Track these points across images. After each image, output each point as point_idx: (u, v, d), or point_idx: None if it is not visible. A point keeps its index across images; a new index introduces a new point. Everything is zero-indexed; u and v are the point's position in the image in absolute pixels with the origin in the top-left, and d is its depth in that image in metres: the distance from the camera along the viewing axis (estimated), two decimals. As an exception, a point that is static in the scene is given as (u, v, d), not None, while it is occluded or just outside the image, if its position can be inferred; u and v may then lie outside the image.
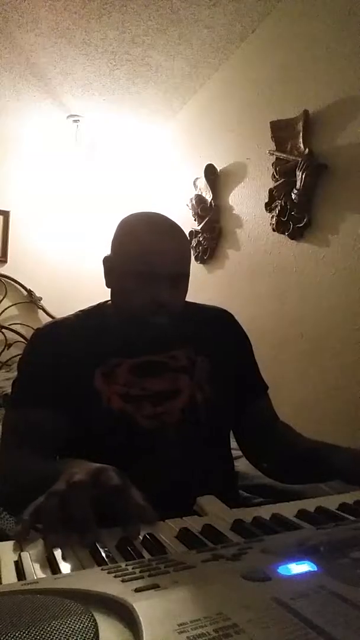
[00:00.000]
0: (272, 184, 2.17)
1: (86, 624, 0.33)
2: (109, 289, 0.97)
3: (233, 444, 1.05)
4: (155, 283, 0.86)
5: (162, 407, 0.89)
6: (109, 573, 0.42)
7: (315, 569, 0.42)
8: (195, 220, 2.76)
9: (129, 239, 0.91)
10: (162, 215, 0.94)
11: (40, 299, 3.33)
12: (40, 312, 3.33)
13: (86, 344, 0.92)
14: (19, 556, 0.49)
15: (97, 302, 1.03)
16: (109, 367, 0.91)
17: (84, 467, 0.60)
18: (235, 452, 1.05)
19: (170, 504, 0.63)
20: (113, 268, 0.94)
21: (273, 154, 2.15)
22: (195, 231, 2.73)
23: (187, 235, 1.10)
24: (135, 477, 0.64)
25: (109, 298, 1.01)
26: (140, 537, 0.53)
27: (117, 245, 0.93)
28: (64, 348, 0.92)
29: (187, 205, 2.86)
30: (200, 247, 2.70)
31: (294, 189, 1.98)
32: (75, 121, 3.17)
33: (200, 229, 2.69)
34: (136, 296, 0.87)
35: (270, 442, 1.01)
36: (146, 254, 0.86)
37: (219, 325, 1.05)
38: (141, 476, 0.84)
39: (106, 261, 0.96)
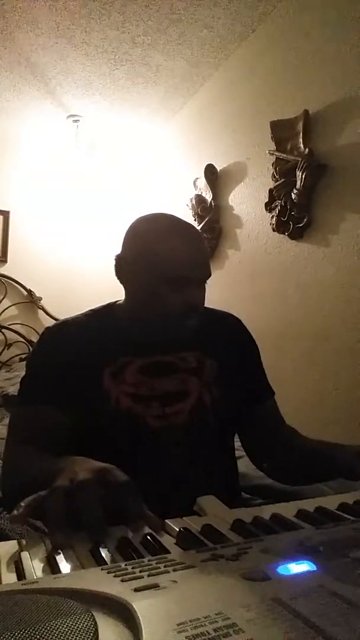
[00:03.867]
0: (272, 184, 2.17)
1: (86, 624, 0.33)
2: (124, 289, 0.96)
3: (236, 444, 1.05)
4: (190, 286, 0.88)
5: (171, 408, 0.90)
6: (108, 573, 0.42)
7: (315, 569, 0.42)
8: (195, 220, 2.75)
9: (158, 242, 0.89)
10: (181, 219, 0.94)
11: (40, 299, 3.33)
12: (40, 312, 3.33)
13: (95, 343, 0.92)
14: (19, 556, 0.49)
15: (107, 302, 1.03)
16: (118, 367, 0.91)
17: (88, 466, 0.60)
18: (237, 453, 1.05)
19: (173, 504, 0.63)
20: (134, 269, 0.91)
21: (273, 154, 2.15)
22: (195, 231, 2.73)
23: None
24: (140, 476, 0.64)
25: (116, 298, 1.01)
26: (140, 537, 0.53)
27: (142, 247, 0.91)
28: (73, 347, 0.92)
29: (187, 205, 2.86)
30: (200, 247, 2.70)
31: (294, 189, 1.98)
32: (75, 121, 3.17)
33: (200, 229, 2.68)
34: (170, 299, 0.87)
35: (276, 445, 1.02)
36: (182, 258, 0.87)
37: (228, 330, 1.05)
38: (147, 475, 0.84)
39: (122, 260, 0.94)
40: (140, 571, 0.42)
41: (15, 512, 0.55)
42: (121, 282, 0.96)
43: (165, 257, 0.87)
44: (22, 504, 0.56)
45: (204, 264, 0.92)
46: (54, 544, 0.49)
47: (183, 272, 0.87)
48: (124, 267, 0.94)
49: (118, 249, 0.97)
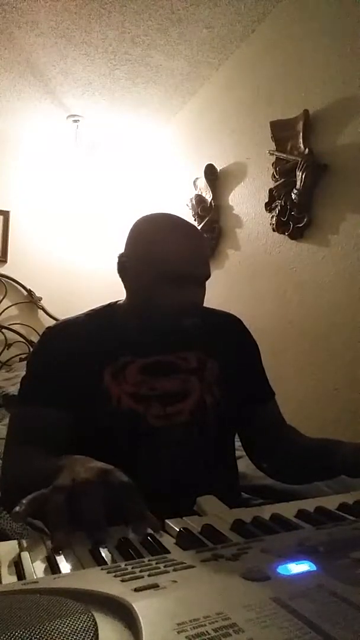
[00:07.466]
0: (272, 184, 2.17)
1: (86, 624, 0.33)
2: (125, 288, 0.97)
3: (236, 444, 1.05)
4: (189, 285, 0.88)
5: (171, 408, 0.90)
6: (108, 573, 0.42)
7: (315, 569, 0.42)
8: (195, 220, 2.75)
9: (159, 240, 0.89)
10: (183, 219, 0.94)
11: (40, 299, 3.33)
12: (40, 312, 3.33)
13: (96, 343, 0.92)
14: (19, 556, 0.49)
15: (108, 302, 1.03)
16: (119, 367, 0.91)
17: (90, 465, 0.60)
18: (237, 453, 1.05)
19: (174, 504, 0.63)
20: (136, 268, 0.92)
21: (273, 154, 2.14)
22: (195, 231, 2.72)
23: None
24: (141, 475, 0.64)
25: (117, 298, 1.01)
26: (141, 538, 0.53)
27: (144, 246, 0.91)
28: (73, 347, 0.92)
29: (187, 205, 2.86)
30: (200, 247, 2.70)
31: (294, 189, 1.98)
32: (75, 121, 3.17)
33: (200, 229, 2.68)
34: (170, 297, 0.87)
35: (276, 446, 1.02)
36: (181, 257, 0.88)
37: (230, 331, 1.06)
38: (147, 475, 0.84)
39: (124, 259, 0.94)
40: (140, 571, 0.42)
41: (17, 509, 0.54)
42: (123, 281, 0.96)
43: (165, 255, 0.88)
44: (24, 501, 0.55)
45: (204, 263, 0.93)
46: (55, 545, 0.49)
47: (183, 270, 0.87)
48: (126, 267, 0.94)
49: (118, 249, 0.97)
